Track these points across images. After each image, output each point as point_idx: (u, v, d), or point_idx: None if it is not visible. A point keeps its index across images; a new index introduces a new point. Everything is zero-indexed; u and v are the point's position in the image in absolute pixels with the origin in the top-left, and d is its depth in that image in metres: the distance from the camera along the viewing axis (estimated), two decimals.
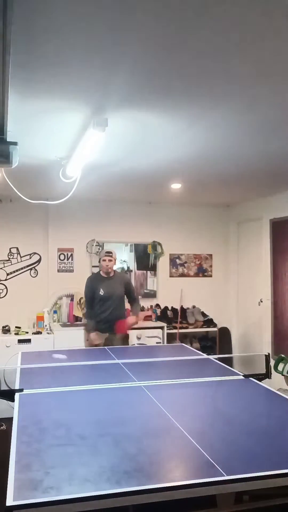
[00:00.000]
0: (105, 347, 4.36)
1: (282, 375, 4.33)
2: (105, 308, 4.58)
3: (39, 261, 5.84)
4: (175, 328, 5.94)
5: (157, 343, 5.53)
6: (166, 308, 6.19)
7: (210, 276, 6.54)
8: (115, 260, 4.70)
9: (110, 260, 4.60)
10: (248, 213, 6.15)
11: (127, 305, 4.84)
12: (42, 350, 4.66)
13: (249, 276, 6.20)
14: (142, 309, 6.12)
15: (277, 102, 2.48)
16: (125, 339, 4.67)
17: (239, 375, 3.08)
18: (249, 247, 6.20)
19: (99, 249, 5.94)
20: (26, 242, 5.77)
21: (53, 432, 2.02)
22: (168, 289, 6.29)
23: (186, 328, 6.04)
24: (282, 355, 4.46)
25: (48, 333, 5.29)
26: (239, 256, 6.47)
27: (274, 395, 2.62)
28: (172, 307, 6.22)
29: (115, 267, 5.99)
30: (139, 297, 6.14)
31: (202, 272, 6.51)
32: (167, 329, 5.77)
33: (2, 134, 2.71)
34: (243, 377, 3.00)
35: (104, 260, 4.61)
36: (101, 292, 4.58)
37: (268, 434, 2.00)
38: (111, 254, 4.62)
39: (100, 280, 4.67)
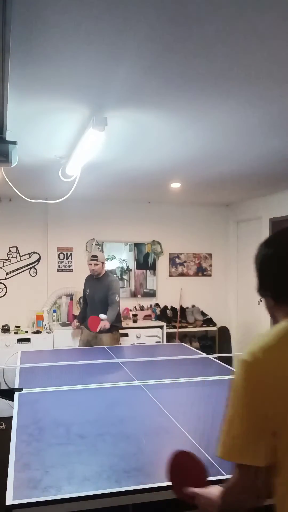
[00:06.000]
0: (104, 346, 4.37)
1: None
2: (90, 308, 4.79)
3: (38, 260, 5.84)
4: (174, 327, 5.94)
5: (156, 342, 5.54)
6: (165, 307, 6.19)
7: (210, 275, 6.55)
8: (102, 263, 4.74)
9: (96, 264, 4.68)
10: (247, 213, 6.15)
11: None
12: (42, 350, 4.68)
13: (249, 275, 6.20)
14: (142, 308, 6.12)
15: (277, 101, 2.48)
16: (114, 340, 4.65)
17: None
18: (249, 246, 6.20)
19: (98, 248, 5.94)
20: (26, 241, 5.77)
21: (52, 431, 2.03)
22: (168, 289, 6.29)
23: (186, 327, 6.04)
24: None
25: (47, 332, 5.29)
26: (239, 255, 6.47)
27: None
28: (171, 306, 6.22)
29: (115, 266, 6.04)
30: (139, 296, 6.15)
31: (201, 271, 6.51)
32: (167, 328, 5.77)
33: (1, 133, 2.71)
34: None
35: (90, 265, 4.72)
36: (87, 292, 4.87)
37: None
38: (96, 258, 4.70)
39: (90, 280, 4.90)
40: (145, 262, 6.27)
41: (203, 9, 1.58)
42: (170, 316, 6.08)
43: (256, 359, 1.05)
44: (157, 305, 6.21)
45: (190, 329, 6.08)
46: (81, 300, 5.24)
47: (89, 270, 4.79)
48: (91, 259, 4.72)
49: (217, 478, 1.58)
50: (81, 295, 5.21)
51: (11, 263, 5.74)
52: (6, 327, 5.29)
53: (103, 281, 4.73)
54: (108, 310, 4.54)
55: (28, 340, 5.11)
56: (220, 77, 2.15)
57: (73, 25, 1.68)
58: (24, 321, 5.54)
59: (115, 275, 5.67)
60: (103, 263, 4.76)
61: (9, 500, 1.43)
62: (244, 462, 1.05)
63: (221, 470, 1.63)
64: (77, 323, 4.90)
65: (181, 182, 4.79)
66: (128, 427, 2.09)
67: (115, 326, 4.64)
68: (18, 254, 5.76)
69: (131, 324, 5.70)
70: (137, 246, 6.23)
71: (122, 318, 5.10)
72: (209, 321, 6.22)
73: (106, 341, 4.54)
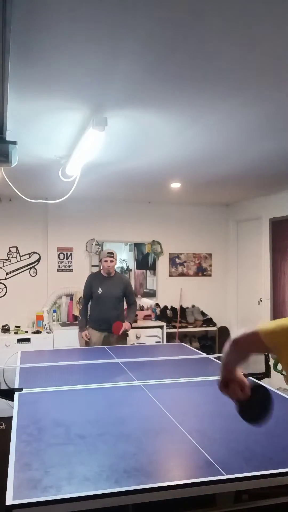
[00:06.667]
0: (104, 346, 4.37)
1: (281, 374, 4.33)
2: (102, 307, 4.61)
3: (38, 260, 5.84)
4: (174, 327, 5.94)
5: (156, 342, 5.54)
6: (165, 307, 6.19)
7: (210, 275, 6.54)
8: (115, 260, 4.70)
9: (111, 261, 4.60)
10: (247, 212, 6.15)
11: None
12: (42, 350, 4.67)
13: (249, 275, 6.20)
14: (142, 308, 6.12)
15: (276, 102, 2.47)
16: (123, 339, 4.66)
17: None
18: (249, 246, 6.20)
19: (98, 248, 5.94)
20: (26, 241, 5.77)
21: (52, 431, 2.03)
22: (168, 289, 6.29)
23: (186, 327, 6.04)
24: None
25: (47, 332, 5.29)
26: (239, 255, 6.47)
27: (273, 394, 2.62)
28: (171, 306, 6.22)
29: (115, 267, 6.03)
30: (139, 296, 6.15)
31: (201, 271, 6.51)
32: (167, 329, 5.77)
33: (1, 133, 2.71)
34: None
35: (105, 261, 4.60)
36: (99, 291, 4.63)
37: (267, 433, 2.00)
38: (112, 255, 4.62)
39: (99, 279, 4.71)
40: (145, 262, 6.26)
41: (203, 11, 1.58)
42: (170, 316, 6.08)
43: None
44: (157, 305, 6.21)
45: (190, 329, 6.08)
46: (81, 300, 5.13)
47: (103, 267, 4.64)
48: (108, 255, 4.59)
49: (217, 478, 1.58)
50: (81, 295, 5.15)
51: (11, 263, 5.73)
52: (6, 327, 5.29)
53: (116, 279, 4.67)
54: (129, 310, 4.62)
55: (28, 340, 5.11)
56: (219, 78, 2.15)
57: (73, 26, 1.68)
58: (24, 321, 5.54)
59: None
60: (116, 259, 4.70)
61: (9, 500, 1.43)
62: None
63: (221, 470, 1.63)
64: (88, 334, 4.60)
65: (181, 182, 4.79)
66: (128, 427, 2.09)
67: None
68: (18, 254, 5.76)
69: None
70: (137, 246, 6.23)
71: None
72: (209, 321, 6.22)
73: (117, 340, 4.55)
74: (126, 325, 4.53)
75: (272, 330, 1.35)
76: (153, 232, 6.25)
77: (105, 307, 4.60)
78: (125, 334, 4.69)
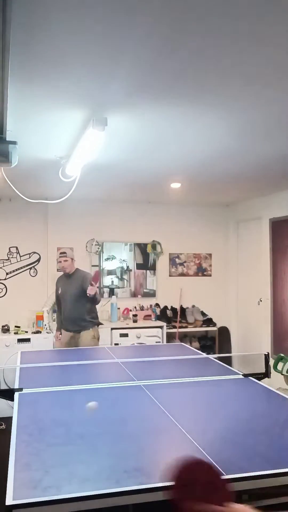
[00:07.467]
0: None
1: (282, 374, 4.33)
2: (64, 307, 4.67)
3: (38, 260, 5.84)
4: (174, 327, 5.94)
5: (156, 342, 5.54)
6: (165, 307, 6.19)
7: (210, 275, 6.55)
8: (71, 259, 4.64)
9: (65, 261, 4.60)
10: (247, 213, 6.15)
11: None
12: (42, 350, 4.67)
13: (249, 275, 6.20)
14: (142, 308, 6.12)
15: (276, 102, 2.48)
16: (93, 340, 4.56)
17: (238, 374, 3.08)
18: (249, 246, 6.20)
19: (98, 248, 5.94)
20: (26, 241, 5.77)
21: (52, 431, 2.03)
22: (168, 289, 6.29)
23: (186, 327, 6.05)
24: (282, 354, 4.47)
25: (47, 332, 5.29)
26: (239, 255, 6.47)
27: (274, 394, 2.62)
28: (171, 306, 6.22)
29: (115, 266, 6.03)
30: (139, 296, 6.15)
31: (201, 271, 6.51)
32: (167, 329, 5.77)
33: (1, 133, 2.71)
34: (243, 376, 3.01)
35: (59, 262, 4.65)
36: (59, 291, 4.74)
37: (267, 433, 2.00)
38: (64, 254, 4.62)
39: (61, 279, 4.80)
40: (145, 262, 6.26)
41: (203, 10, 1.58)
42: (170, 316, 6.08)
43: None
44: (157, 305, 6.21)
45: (190, 329, 6.08)
46: (54, 304, 5.19)
47: (58, 267, 4.76)
48: (60, 256, 4.63)
49: None
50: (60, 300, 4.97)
51: (11, 263, 5.73)
52: (6, 327, 5.29)
53: (75, 277, 4.63)
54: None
55: (28, 340, 5.11)
56: (220, 78, 2.15)
57: (73, 25, 1.68)
58: (24, 321, 5.54)
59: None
60: (72, 259, 4.66)
61: (9, 500, 1.43)
62: None
63: (221, 470, 1.63)
64: (60, 335, 4.71)
65: (181, 182, 4.79)
66: (128, 427, 2.08)
67: (93, 322, 4.59)
68: (18, 254, 5.76)
69: (131, 324, 5.70)
70: (137, 246, 6.23)
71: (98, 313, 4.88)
72: (209, 321, 6.22)
73: (85, 339, 4.49)
74: (90, 288, 4.38)
75: None
76: (153, 232, 6.26)
77: (66, 307, 4.63)
78: (95, 336, 4.59)
